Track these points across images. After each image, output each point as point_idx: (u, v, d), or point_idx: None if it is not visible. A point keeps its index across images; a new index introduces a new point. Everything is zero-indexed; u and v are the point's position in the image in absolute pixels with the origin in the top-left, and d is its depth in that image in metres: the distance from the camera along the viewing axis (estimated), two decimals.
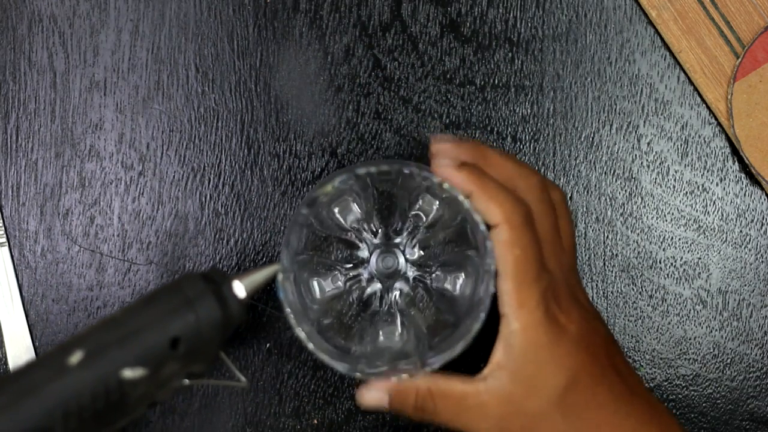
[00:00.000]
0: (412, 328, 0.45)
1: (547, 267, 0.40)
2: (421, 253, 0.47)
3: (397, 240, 0.47)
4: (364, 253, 0.47)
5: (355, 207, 0.46)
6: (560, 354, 0.39)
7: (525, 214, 0.40)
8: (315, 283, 0.46)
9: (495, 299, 0.40)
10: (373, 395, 0.41)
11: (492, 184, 0.40)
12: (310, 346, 0.40)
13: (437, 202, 0.45)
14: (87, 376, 0.35)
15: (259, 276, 0.40)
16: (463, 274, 0.45)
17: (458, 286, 0.45)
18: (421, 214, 0.46)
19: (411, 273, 0.47)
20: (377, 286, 0.47)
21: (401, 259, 0.47)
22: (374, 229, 0.47)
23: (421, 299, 0.47)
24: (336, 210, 0.46)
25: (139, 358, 0.36)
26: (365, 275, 0.47)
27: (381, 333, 0.45)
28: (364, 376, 0.40)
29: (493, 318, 0.40)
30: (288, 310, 0.40)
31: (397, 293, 0.47)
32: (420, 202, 0.46)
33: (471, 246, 0.43)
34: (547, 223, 0.41)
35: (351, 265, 0.47)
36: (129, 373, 0.36)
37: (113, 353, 0.36)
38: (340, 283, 0.47)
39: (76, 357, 0.35)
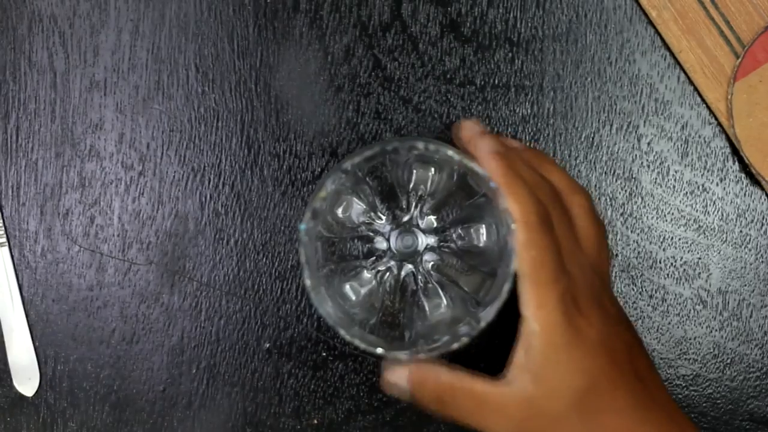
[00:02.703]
0: (454, 293, 0.45)
1: (567, 269, 0.40)
2: (434, 221, 0.47)
3: (407, 217, 0.47)
4: (381, 242, 0.47)
5: (356, 202, 0.46)
6: (578, 357, 0.39)
7: (542, 214, 0.40)
8: (348, 288, 0.46)
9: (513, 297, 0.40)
10: (393, 386, 0.42)
11: (518, 180, 0.40)
12: (379, 351, 0.40)
13: (432, 168, 0.46)
14: None
15: None
16: (482, 225, 0.45)
17: (482, 238, 0.45)
18: (421, 185, 0.46)
19: (433, 242, 0.47)
20: (408, 267, 0.47)
21: (419, 234, 0.47)
22: (382, 216, 0.47)
23: (453, 263, 0.47)
24: (339, 212, 0.46)
25: None
26: (392, 263, 0.47)
27: (428, 309, 0.45)
28: (427, 354, 0.40)
29: (507, 316, 0.40)
30: (334, 325, 0.40)
31: (429, 266, 0.47)
32: (414, 173, 0.46)
33: (478, 194, 0.43)
34: (562, 225, 0.41)
35: (374, 258, 0.47)
36: None
37: None
38: (370, 279, 0.47)
39: None
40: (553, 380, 0.39)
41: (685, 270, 0.51)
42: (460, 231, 0.46)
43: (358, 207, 0.46)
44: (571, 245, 0.41)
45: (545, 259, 0.39)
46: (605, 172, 0.51)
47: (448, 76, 0.50)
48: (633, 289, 0.51)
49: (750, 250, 0.51)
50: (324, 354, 0.50)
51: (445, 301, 0.46)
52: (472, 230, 0.46)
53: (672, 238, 0.51)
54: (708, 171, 0.51)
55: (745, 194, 0.51)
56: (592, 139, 0.51)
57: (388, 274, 0.47)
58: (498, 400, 0.39)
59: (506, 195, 0.39)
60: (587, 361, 0.39)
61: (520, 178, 0.40)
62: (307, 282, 0.40)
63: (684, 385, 0.51)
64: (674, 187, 0.51)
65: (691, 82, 0.50)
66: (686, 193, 0.51)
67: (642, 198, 0.51)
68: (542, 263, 0.39)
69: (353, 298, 0.46)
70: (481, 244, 0.46)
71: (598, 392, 0.39)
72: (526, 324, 0.39)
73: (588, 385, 0.39)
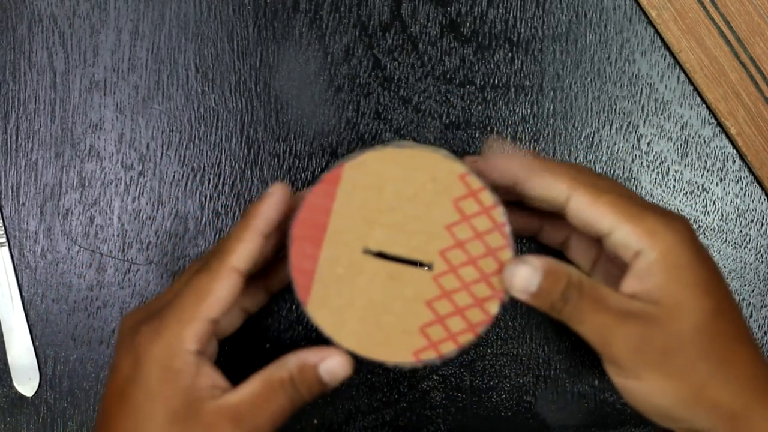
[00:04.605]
0: None
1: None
2: None
3: None
4: None
5: None
6: (703, 276, 0.38)
7: (592, 172, 0.39)
8: None
9: None
10: (525, 272, 0.39)
11: (549, 160, 0.40)
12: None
13: None
14: None
15: None
16: None
17: None
18: None
19: None
20: None
21: None
22: None
23: None
24: None
25: None
26: None
27: None
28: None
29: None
30: None
31: None
32: None
33: None
34: None
35: None
36: None
37: None
38: None
39: None
40: (678, 299, 0.37)
41: None
42: None
43: None
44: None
45: (623, 193, 0.38)
46: (605, 172, 0.51)
47: (448, 76, 0.50)
48: None
49: (750, 250, 0.51)
50: None
51: None
52: None
53: None
54: (708, 171, 0.51)
55: (745, 194, 0.51)
56: (592, 139, 0.51)
57: None
58: (621, 310, 0.38)
59: (548, 179, 0.39)
60: (712, 283, 0.38)
61: (545, 162, 0.40)
62: None
63: None
64: (674, 187, 0.51)
65: (691, 82, 0.50)
66: (686, 193, 0.51)
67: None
68: (621, 199, 0.38)
69: None
70: None
71: (724, 317, 0.38)
72: (642, 256, 0.37)
73: (714, 308, 0.37)
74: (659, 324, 0.37)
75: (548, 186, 0.39)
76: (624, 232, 0.38)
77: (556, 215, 0.45)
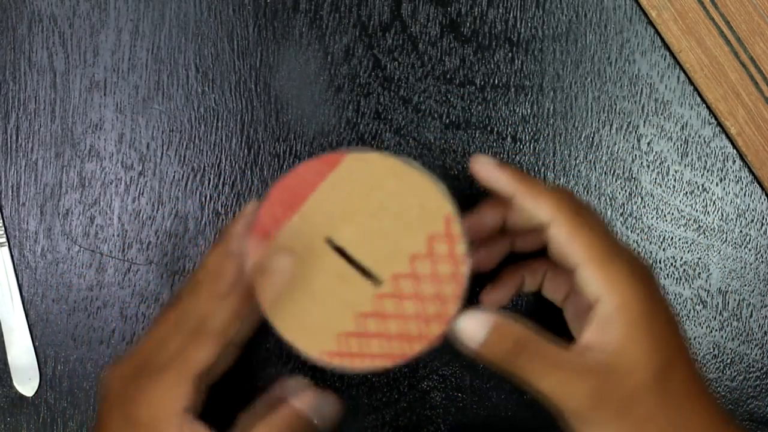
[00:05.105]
0: None
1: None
2: None
3: None
4: None
5: None
6: (657, 330, 0.38)
7: (576, 201, 0.39)
8: None
9: None
10: (472, 325, 0.38)
11: (536, 181, 0.40)
12: None
13: None
14: None
15: None
16: None
17: None
18: None
19: None
20: None
21: None
22: None
23: None
24: None
25: None
26: None
27: None
28: None
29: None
30: None
31: None
32: None
33: None
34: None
35: None
36: None
37: None
38: None
39: None
40: (634, 352, 0.37)
41: (685, 270, 0.51)
42: None
43: None
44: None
45: (600, 235, 0.38)
46: (605, 172, 0.51)
47: (448, 76, 0.50)
48: None
49: (750, 250, 0.51)
50: None
51: None
52: None
53: (672, 238, 0.51)
54: (708, 171, 0.51)
55: (745, 194, 0.51)
56: (592, 139, 0.51)
57: None
58: (576, 366, 0.38)
59: (532, 198, 0.39)
60: (667, 335, 0.38)
61: (537, 179, 0.40)
62: None
63: None
64: (674, 187, 0.51)
65: (691, 82, 0.50)
66: (686, 193, 0.51)
67: (642, 198, 0.51)
68: (599, 241, 0.38)
69: None
70: None
71: (679, 369, 0.38)
72: (601, 305, 0.38)
73: (669, 360, 0.38)
74: (617, 377, 0.38)
75: (531, 209, 0.39)
76: (587, 275, 0.38)
77: (533, 264, 0.45)
